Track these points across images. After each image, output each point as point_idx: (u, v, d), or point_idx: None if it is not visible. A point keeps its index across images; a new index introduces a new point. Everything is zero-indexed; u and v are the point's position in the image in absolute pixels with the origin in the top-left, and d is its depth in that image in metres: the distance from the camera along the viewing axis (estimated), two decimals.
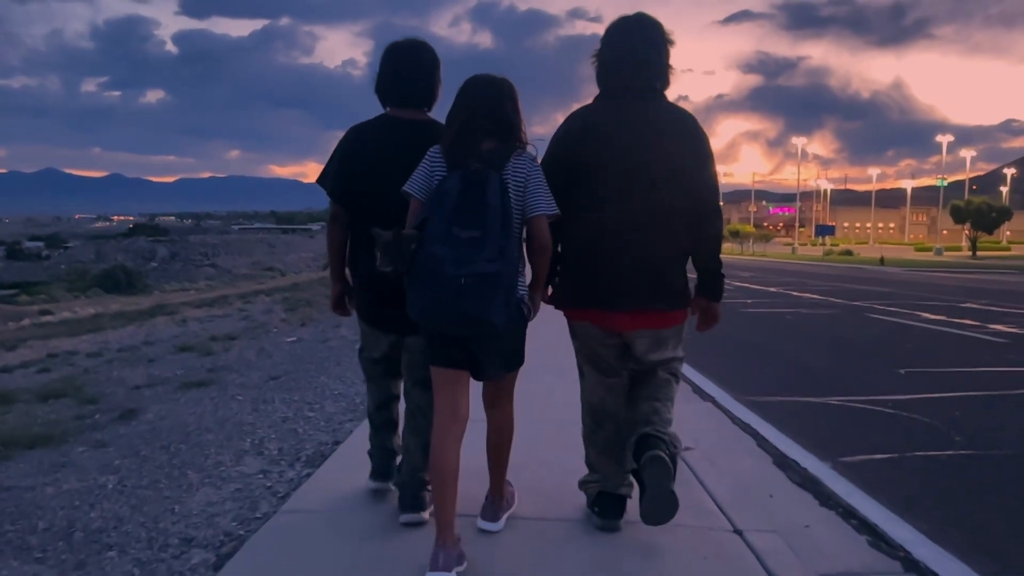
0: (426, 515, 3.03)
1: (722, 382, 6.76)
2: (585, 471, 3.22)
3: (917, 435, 5.06)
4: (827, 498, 3.76)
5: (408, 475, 3.08)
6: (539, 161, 2.83)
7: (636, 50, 2.88)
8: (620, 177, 2.84)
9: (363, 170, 2.97)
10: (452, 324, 2.58)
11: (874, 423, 5.41)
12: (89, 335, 14.16)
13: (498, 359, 2.77)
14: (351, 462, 3.83)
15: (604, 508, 3.04)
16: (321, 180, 3.09)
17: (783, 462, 4.36)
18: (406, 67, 3.03)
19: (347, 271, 3.20)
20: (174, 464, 4.06)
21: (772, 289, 19.82)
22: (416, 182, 2.72)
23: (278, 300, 19.63)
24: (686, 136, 2.85)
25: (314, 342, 9.67)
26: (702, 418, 5.46)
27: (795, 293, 18.85)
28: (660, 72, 2.91)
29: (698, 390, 6.45)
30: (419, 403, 3.07)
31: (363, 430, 4.51)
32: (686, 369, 7.24)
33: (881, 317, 12.98)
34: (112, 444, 4.66)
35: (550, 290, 3.06)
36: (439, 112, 3.07)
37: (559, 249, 3.00)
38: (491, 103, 2.74)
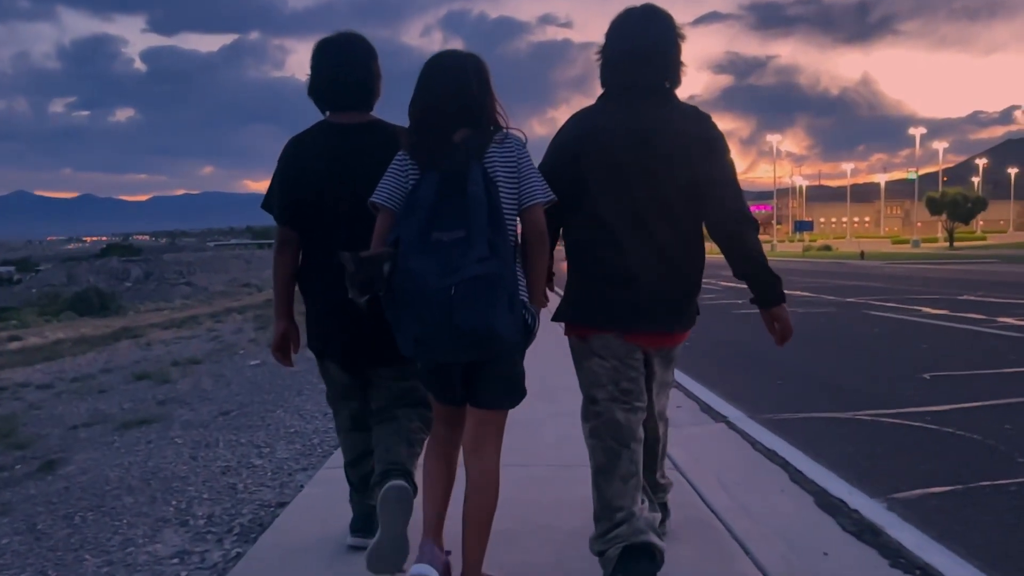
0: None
1: (731, 397, 6.01)
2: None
3: (973, 457, 4.32)
4: (895, 554, 3.00)
5: (386, 465, 2.61)
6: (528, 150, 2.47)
7: (643, 45, 2.58)
8: (627, 186, 2.53)
9: (309, 185, 2.64)
10: (449, 351, 2.19)
11: (917, 443, 4.67)
12: (45, 363, 13.31)
13: (501, 384, 2.33)
14: (295, 536, 3.01)
15: (631, 567, 2.36)
16: (267, 205, 2.77)
17: (827, 502, 3.60)
18: (339, 65, 2.70)
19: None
20: (72, 544, 3.21)
21: None
22: (385, 190, 2.36)
23: (250, 318, 18.79)
24: (700, 138, 2.54)
25: (278, 365, 8.84)
26: (720, 445, 4.70)
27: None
28: (670, 69, 2.60)
29: (707, 408, 5.70)
30: (394, 413, 2.76)
31: (316, 485, 3.70)
32: (690, 383, 6.52)
33: (881, 314, 12.34)
34: (14, 510, 3.83)
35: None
36: (391, 109, 2.80)
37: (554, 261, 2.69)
38: (453, 84, 2.36)
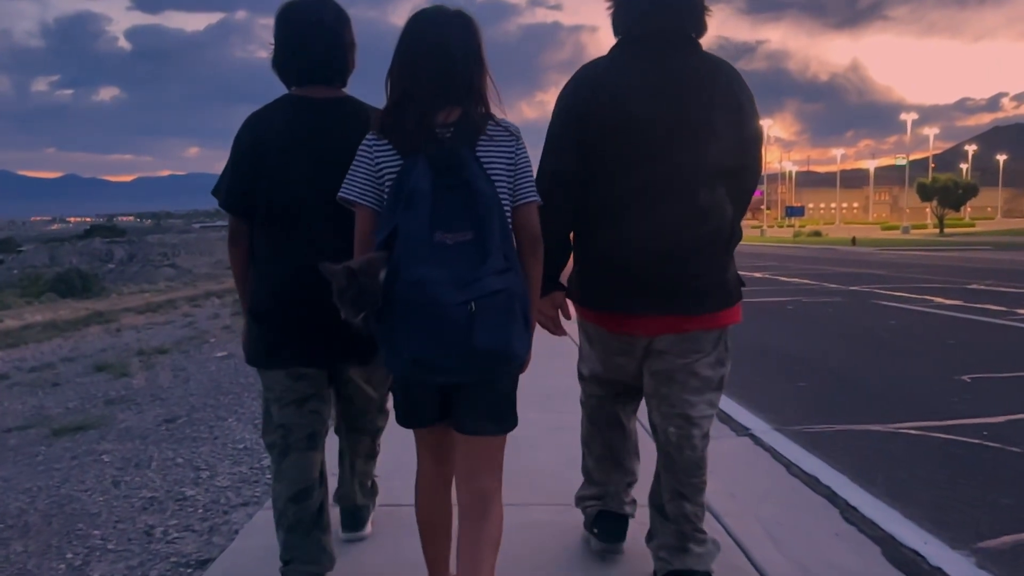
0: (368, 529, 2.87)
1: (751, 403, 5.28)
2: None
3: None
4: None
5: (344, 493, 2.82)
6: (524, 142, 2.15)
7: None
8: (645, 147, 2.25)
9: (266, 168, 2.31)
10: (456, 371, 1.85)
11: (983, 468, 3.94)
12: (8, 350, 12.59)
13: (492, 407, 1.97)
14: None
15: (605, 530, 2.64)
16: (216, 190, 2.42)
17: (898, 555, 2.86)
18: (305, 33, 2.37)
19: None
20: None
21: (756, 275, 18.41)
22: (356, 183, 2.00)
23: (228, 303, 18.12)
24: (727, 95, 2.29)
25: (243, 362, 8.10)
26: (750, 467, 3.96)
27: (782, 278, 17.52)
28: (693, 15, 2.32)
29: (727, 417, 4.95)
30: (353, 437, 2.77)
31: (251, 535, 2.90)
32: None
33: (893, 304, 11.63)
34: None
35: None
36: (367, 87, 2.55)
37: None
38: (435, 53, 1.97)
